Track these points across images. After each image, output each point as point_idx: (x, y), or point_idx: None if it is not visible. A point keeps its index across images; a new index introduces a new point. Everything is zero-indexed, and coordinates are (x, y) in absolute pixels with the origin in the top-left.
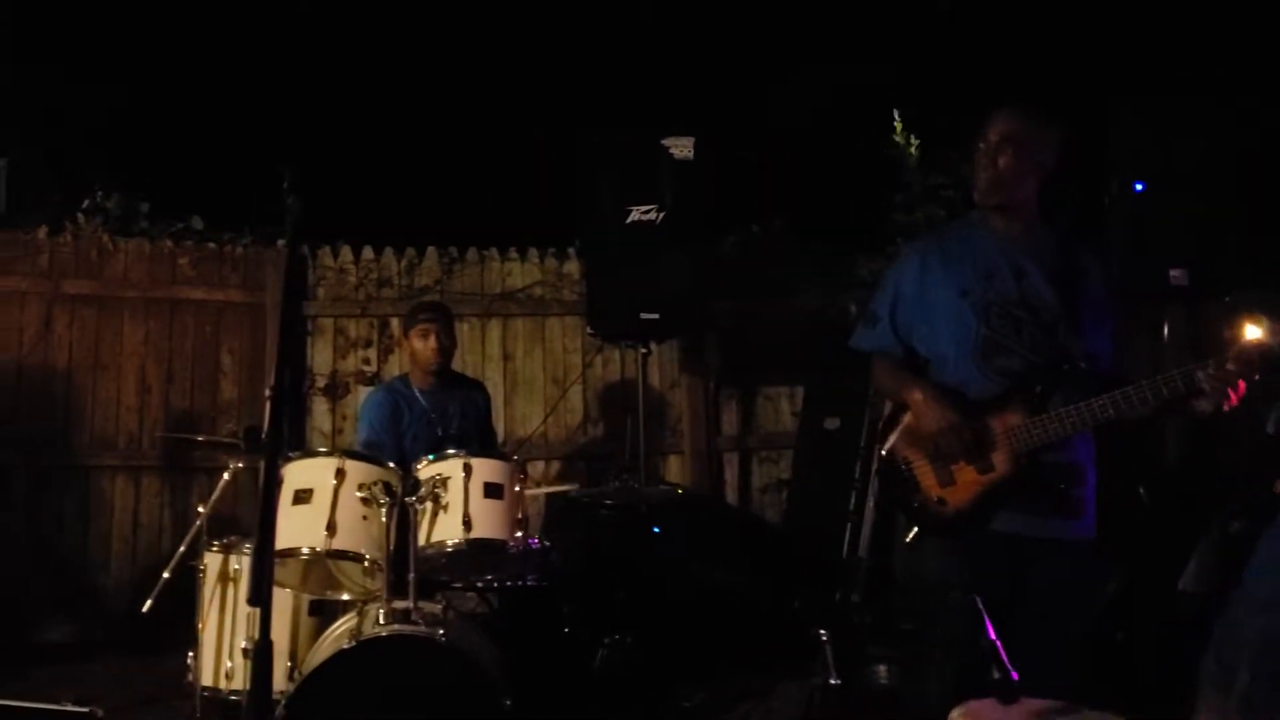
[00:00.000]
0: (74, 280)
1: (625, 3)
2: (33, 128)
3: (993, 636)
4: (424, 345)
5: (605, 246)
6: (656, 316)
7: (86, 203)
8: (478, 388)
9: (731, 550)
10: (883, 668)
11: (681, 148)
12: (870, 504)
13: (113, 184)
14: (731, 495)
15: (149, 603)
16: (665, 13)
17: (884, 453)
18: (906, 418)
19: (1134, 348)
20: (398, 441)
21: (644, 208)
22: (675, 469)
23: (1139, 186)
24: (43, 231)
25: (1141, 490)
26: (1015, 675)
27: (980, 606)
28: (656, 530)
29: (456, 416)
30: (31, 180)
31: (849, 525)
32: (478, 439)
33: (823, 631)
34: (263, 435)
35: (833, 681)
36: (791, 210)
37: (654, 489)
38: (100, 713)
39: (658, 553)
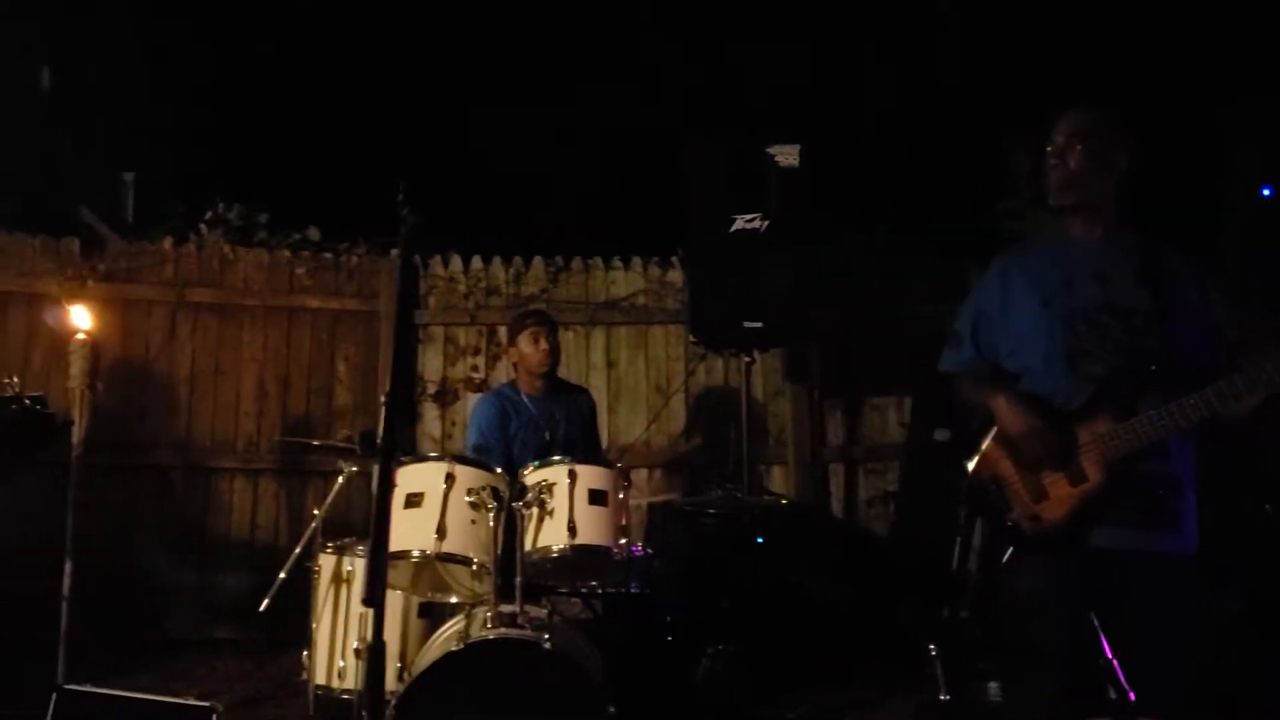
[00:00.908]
0: (197, 288)
1: (729, 13)
2: (158, 143)
3: (1109, 655)
4: (534, 349)
5: (709, 255)
6: (760, 325)
7: (209, 214)
8: (583, 393)
9: (837, 562)
10: (993, 684)
11: (787, 155)
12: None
13: (233, 196)
14: (837, 507)
15: (266, 601)
16: (770, 20)
17: (971, 472)
18: (992, 434)
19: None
20: (506, 447)
21: (748, 216)
22: (779, 479)
23: (1266, 191)
24: (168, 242)
25: (1269, 506)
26: (1132, 695)
27: (1096, 624)
28: (760, 540)
29: (563, 422)
30: (157, 193)
31: (958, 539)
32: (583, 444)
33: (932, 646)
34: (378, 440)
35: (942, 697)
36: (899, 217)
37: (757, 499)
38: (220, 708)
39: (761, 563)
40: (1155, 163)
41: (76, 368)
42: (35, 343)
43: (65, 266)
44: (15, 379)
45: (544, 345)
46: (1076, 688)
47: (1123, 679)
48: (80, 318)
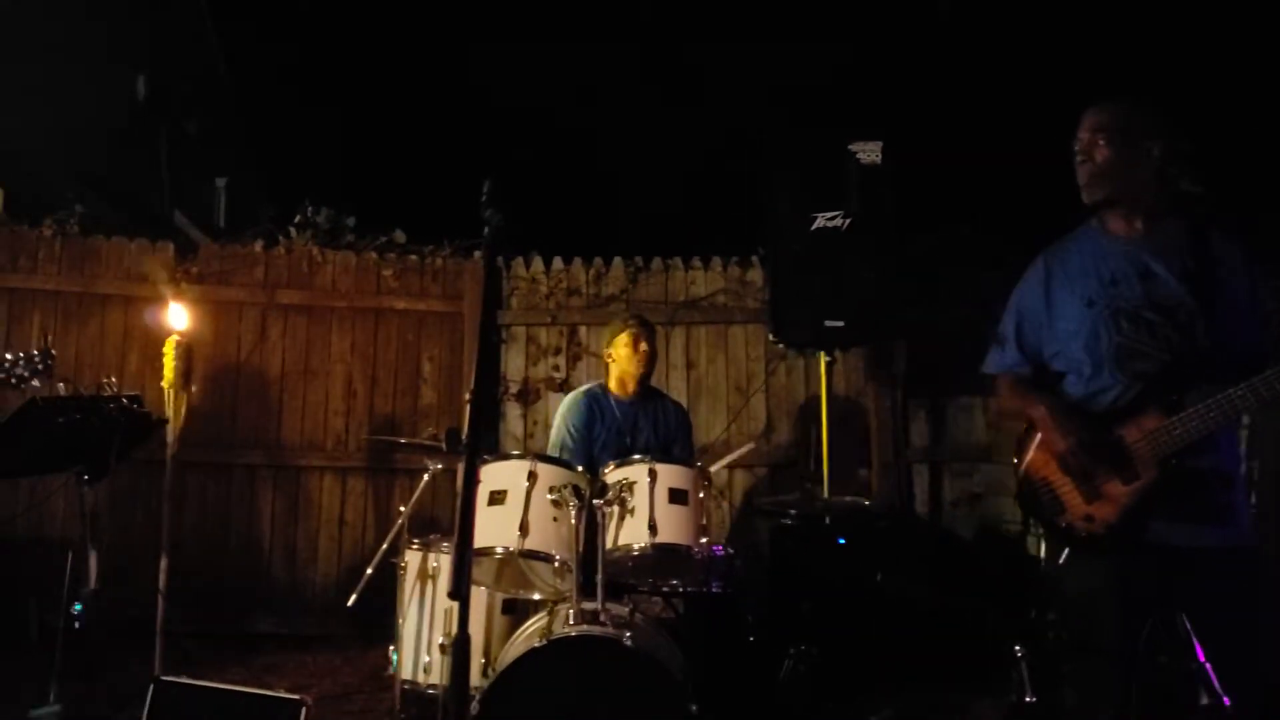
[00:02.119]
0: (286, 290)
1: (807, 9)
2: (248, 149)
3: (1201, 658)
4: (632, 353)
5: (789, 253)
6: (841, 324)
7: (298, 217)
8: (673, 404)
9: (921, 563)
10: None
11: (869, 152)
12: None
13: (321, 199)
14: (921, 508)
15: (354, 597)
16: (851, 15)
17: (1021, 473)
18: (1037, 438)
19: None
20: (589, 447)
21: (829, 214)
22: (861, 480)
23: None
24: (258, 245)
25: None
26: (1227, 700)
27: (1188, 626)
28: (842, 541)
29: (646, 429)
30: (247, 197)
31: (1041, 540)
32: (659, 453)
33: (1018, 648)
34: (463, 438)
35: (1028, 699)
36: (986, 213)
37: (839, 499)
38: (310, 701)
39: (843, 564)
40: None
41: (171, 368)
42: (132, 343)
43: (160, 270)
44: (114, 379)
45: (643, 348)
46: (1142, 688)
47: (1216, 684)
48: (175, 319)
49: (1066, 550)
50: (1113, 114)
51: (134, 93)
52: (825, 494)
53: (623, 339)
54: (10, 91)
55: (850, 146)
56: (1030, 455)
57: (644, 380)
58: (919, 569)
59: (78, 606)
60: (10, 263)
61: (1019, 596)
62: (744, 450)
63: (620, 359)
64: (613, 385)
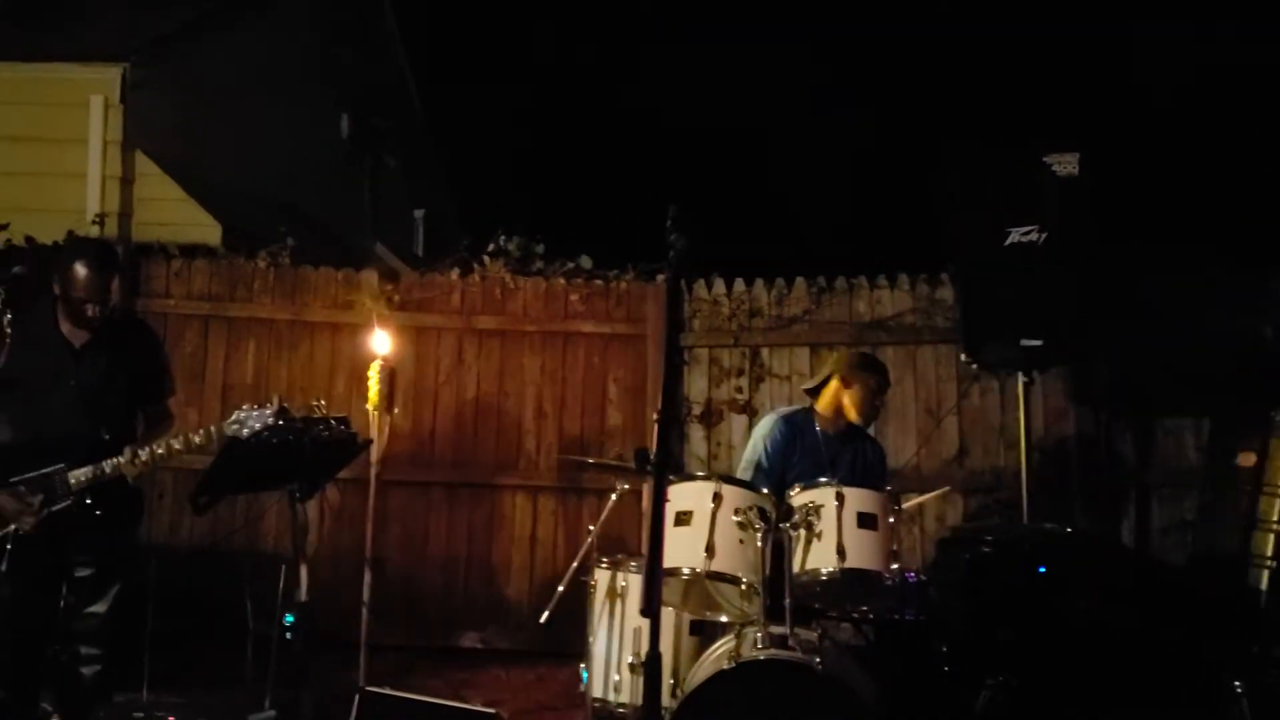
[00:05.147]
0: (481, 316)
1: (1000, 16)
2: (443, 180)
3: None
4: (870, 396)
5: (982, 270)
6: (1039, 343)
7: (491, 246)
8: (874, 444)
9: (1127, 593)
10: None
11: (1065, 164)
12: None
13: (512, 228)
14: (1127, 536)
15: (546, 614)
16: (1041, 24)
17: None
18: None
19: None
20: (783, 472)
21: (1024, 228)
22: (1063, 506)
23: None
24: (454, 273)
25: None
26: None
27: None
28: (1042, 570)
29: (844, 467)
30: (443, 227)
31: (1267, 572)
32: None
33: (1237, 683)
34: (651, 457)
35: None
36: (1192, 224)
37: (1039, 526)
38: (505, 715)
39: (1044, 593)
40: None
41: (375, 391)
42: (339, 368)
43: (364, 298)
44: (323, 401)
45: (880, 402)
46: None
47: None
48: (379, 344)
49: None
50: None
51: (338, 130)
52: (1025, 520)
53: (871, 380)
54: (228, 134)
55: (1045, 158)
56: None
57: (859, 418)
58: (1126, 599)
59: (289, 617)
60: (229, 293)
61: (1237, 630)
62: (938, 493)
63: (856, 392)
64: (822, 406)
